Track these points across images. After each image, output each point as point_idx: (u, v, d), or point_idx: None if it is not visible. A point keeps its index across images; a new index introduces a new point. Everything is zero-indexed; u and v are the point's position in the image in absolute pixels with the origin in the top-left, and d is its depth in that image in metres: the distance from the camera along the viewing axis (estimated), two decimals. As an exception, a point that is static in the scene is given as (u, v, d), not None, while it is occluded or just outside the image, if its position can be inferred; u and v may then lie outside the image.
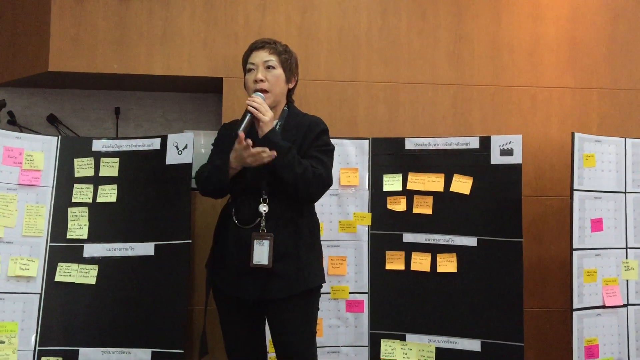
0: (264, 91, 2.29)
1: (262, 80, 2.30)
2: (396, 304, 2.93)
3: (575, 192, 2.90)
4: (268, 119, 2.20)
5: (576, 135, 2.93)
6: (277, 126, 2.33)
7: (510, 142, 2.92)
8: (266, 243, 2.20)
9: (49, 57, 3.21)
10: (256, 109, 2.19)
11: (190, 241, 2.77)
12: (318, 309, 2.38)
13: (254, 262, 2.19)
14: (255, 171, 2.24)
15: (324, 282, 2.38)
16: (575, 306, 2.85)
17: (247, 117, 2.21)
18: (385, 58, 3.36)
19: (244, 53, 2.42)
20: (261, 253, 2.19)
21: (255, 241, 2.21)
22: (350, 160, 3.02)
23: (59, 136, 2.94)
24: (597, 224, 2.93)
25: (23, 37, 3.42)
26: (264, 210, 2.24)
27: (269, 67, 2.32)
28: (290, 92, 2.43)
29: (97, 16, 3.26)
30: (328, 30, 3.35)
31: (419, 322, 2.90)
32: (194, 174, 2.91)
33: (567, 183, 2.97)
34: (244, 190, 2.29)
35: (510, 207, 2.87)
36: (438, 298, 2.90)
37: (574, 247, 2.88)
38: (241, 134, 2.17)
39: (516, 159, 2.90)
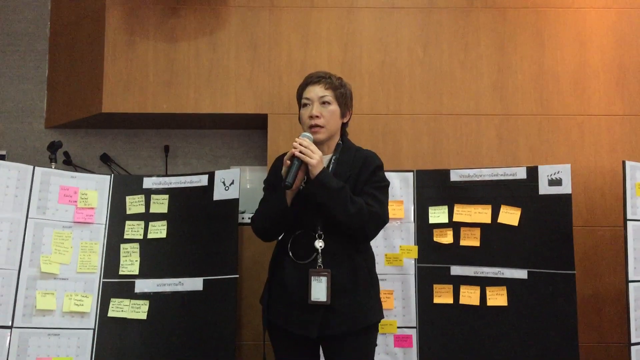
0: (318, 127, 2.28)
1: (317, 117, 2.28)
2: (445, 339, 2.87)
3: (628, 222, 2.81)
4: (316, 161, 2.15)
5: (627, 163, 2.86)
6: (332, 160, 2.31)
7: (558, 172, 2.87)
8: (324, 279, 2.16)
9: (103, 99, 3.36)
10: (303, 154, 2.15)
11: (237, 276, 2.80)
12: (376, 345, 2.32)
13: (312, 299, 2.16)
14: (310, 206, 2.22)
15: (382, 317, 2.33)
16: (633, 340, 2.74)
17: (295, 165, 2.15)
18: (428, 90, 3.37)
19: (298, 86, 2.40)
20: (319, 290, 2.16)
21: (312, 277, 2.17)
22: (395, 192, 3.01)
23: (112, 175, 3.04)
24: (653, 255, 2.83)
25: (78, 81, 3.59)
26: (320, 246, 2.21)
27: (324, 103, 2.30)
28: (344, 125, 2.41)
29: (147, 59, 3.40)
30: (370, 64, 3.40)
31: (469, 358, 2.83)
32: (241, 208, 2.97)
33: (620, 213, 2.89)
34: (300, 225, 2.26)
35: (561, 238, 2.80)
36: (489, 333, 2.83)
37: (630, 279, 2.78)
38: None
39: (565, 189, 2.84)
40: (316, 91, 2.31)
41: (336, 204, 2.15)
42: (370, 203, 2.21)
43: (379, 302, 2.32)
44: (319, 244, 2.21)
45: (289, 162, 2.17)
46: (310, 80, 2.35)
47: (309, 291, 2.17)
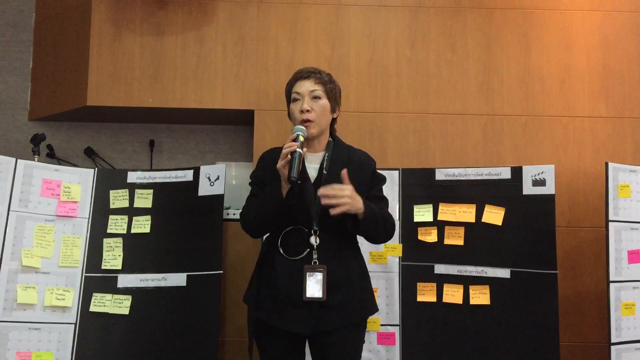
0: (310, 121, 2.24)
1: (308, 111, 2.24)
2: (428, 337, 2.89)
3: (610, 223, 2.84)
4: (350, 205, 2.11)
5: (610, 165, 2.89)
6: (325, 157, 2.29)
7: (542, 172, 2.89)
8: (320, 275, 2.14)
9: (88, 92, 3.33)
10: (335, 204, 2.09)
11: (221, 272, 2.79)
12: (363, 341, 2.32)
13: (307, 296, 2.13)
14: (306, 203, 2.20)
15: (377, 310, 2.33)
16: (613, 340, 2.77)
17: (296, 158, 2.06)
18: (415, 89, 3.38)
19: (287, 82, 2.37)
20: (315, 285, 2.13)
21: (307, 274, 2.14)
22: (380, 191, 3.02)
23: (96, 168, 3.01)
24: (634, 256, 2.86)
25: (63, 73, 3.55)
26: (316, 242, 2.19)
27: (315, 97, 2.27)
28: (333, 121, 2.38)
29: (133, 52, 3.37)
30: (357, 62, 3.40)
31: (451, 356, 2.85)
32: (226, 204, 2.96)
33: (602, 214, 2.92)
34: (293, 221, 2.23)
35: (544, 238, 2.83)
36: (471, 331, 2.85)
37: (611, 279, 2.81)
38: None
39: (549, 189, 2.86)
40: (307, 86, 2.28)
41: (379, 228, 2.24)
42: (381, 207, 2.29)
43: (371, 296, 2.33)
44: (315, 240, 2.19)
45: (289, 156, 2.08)
46: (300, 75, 2.32)
47: (304, 288, 2.14)
